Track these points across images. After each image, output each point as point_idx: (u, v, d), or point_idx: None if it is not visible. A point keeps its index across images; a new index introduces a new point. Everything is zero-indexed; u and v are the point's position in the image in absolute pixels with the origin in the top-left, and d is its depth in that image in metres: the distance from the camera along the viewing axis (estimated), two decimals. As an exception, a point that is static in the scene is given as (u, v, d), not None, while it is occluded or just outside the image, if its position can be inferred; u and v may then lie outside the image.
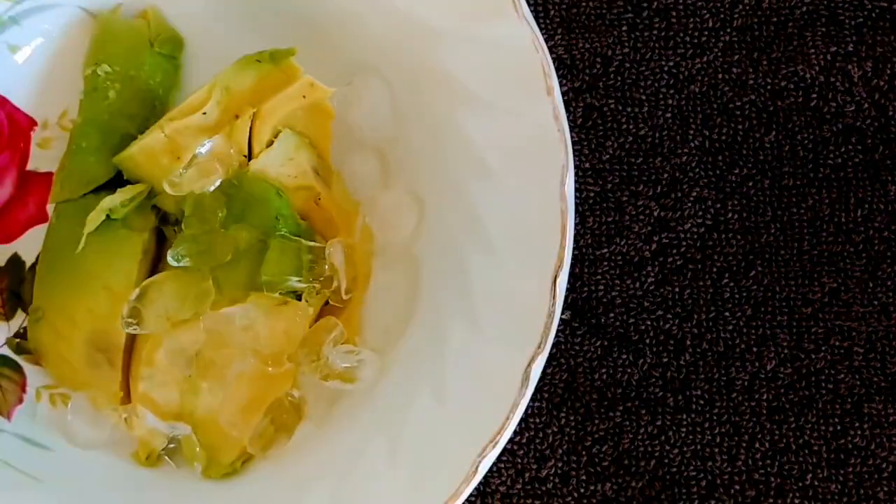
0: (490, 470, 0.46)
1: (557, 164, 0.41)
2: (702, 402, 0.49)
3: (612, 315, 0.49)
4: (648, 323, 0.49)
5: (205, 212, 0.44)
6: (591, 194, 0.50)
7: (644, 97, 0.51)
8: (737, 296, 0.49)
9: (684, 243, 0.50)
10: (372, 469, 0.42)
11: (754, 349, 0.49)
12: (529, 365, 0.40)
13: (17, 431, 0.45)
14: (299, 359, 0.44)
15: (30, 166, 0.48)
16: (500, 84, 0.43)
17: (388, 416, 0.43)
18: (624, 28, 0.51)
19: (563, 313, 0.47)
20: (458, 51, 0.43)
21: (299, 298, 0.44)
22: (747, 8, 0.51)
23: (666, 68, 0.51)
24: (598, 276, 0.49)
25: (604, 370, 0.49)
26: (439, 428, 0.41)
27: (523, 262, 0.42)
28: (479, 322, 0.42)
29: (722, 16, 0.51)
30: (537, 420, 0.48)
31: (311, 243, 0.44)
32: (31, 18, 0.46)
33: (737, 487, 0.48)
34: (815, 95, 0.50)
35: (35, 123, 0.48)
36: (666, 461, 0.48)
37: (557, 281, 0.40)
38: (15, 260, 0.47)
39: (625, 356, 0.49)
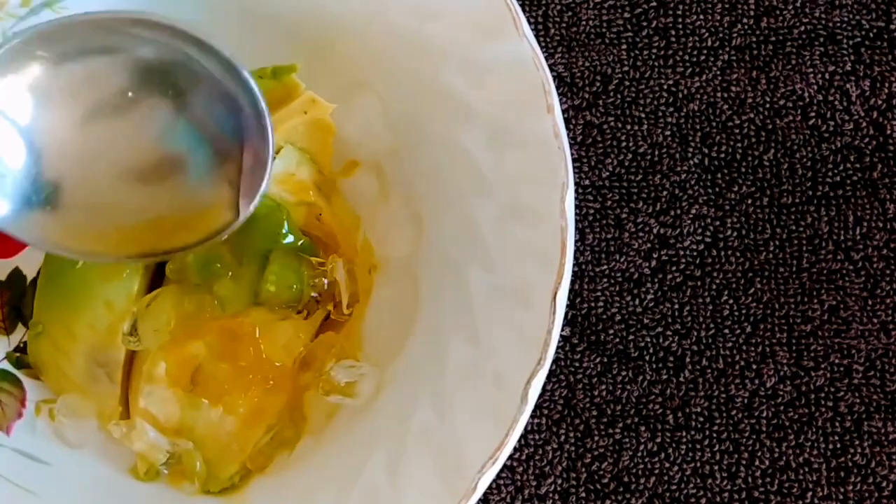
0: (489, 487, 0.46)
1: (557, 181, 0.41)
2: (701, 419, 0.48)
3: (611, 332, 0.49)
4: (648, 340, 0.49)
5: None
6: (591, 211, 0.50)
7: (643, 115, 0.51)
8: (736, 313, 0.49)
9: (683, 260, 0.50)
10: (371, 485, 0.42)
11: (754, 366, 0.49)
12: (529, 381, 0.40)
13: (15, 446, 0.45)
14: (301, 373, 0.44)
15: (32, 181, 0.48)
16: (500, 101, 0.43)
17: (387, 431, 0.43)
18: (624, 47, 0.51)
19: (562, 329, 0.47)
20: (459, 68, 0.44)
21: (300, 313, 0.44)
22: (746, 27, 0.51)
23: (665, 86, 0.51)
24: (598, 293, 0.49)
25: (603, 387, 0.49)
26: (438, 444, 0.41)
27: (523, 278, 0.42)
28: (479, 337, 0.42)
29: (721, 35, 0.51)
30: (536, 437, 0.48)
31: (313, 258, 0.44)
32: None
33: (737, 505, 0.48)
34: (813, 114, 0.51)
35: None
36: (665, 479, 0.48)
37: (557, 297, 0.40)
38: (16, 274, 0.47)
39: (624, 373, 0.49)
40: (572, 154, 0.49)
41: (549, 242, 0.41)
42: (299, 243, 0.45)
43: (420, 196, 0.45)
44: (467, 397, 0.41)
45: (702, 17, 0.52)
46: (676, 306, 0.49)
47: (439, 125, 0.44)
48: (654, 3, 0.52)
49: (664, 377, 0.49)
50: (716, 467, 0.48)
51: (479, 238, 0.43)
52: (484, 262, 0.43)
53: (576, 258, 0.49)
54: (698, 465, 0.48)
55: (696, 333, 0.49)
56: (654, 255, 0.50)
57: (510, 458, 0.48)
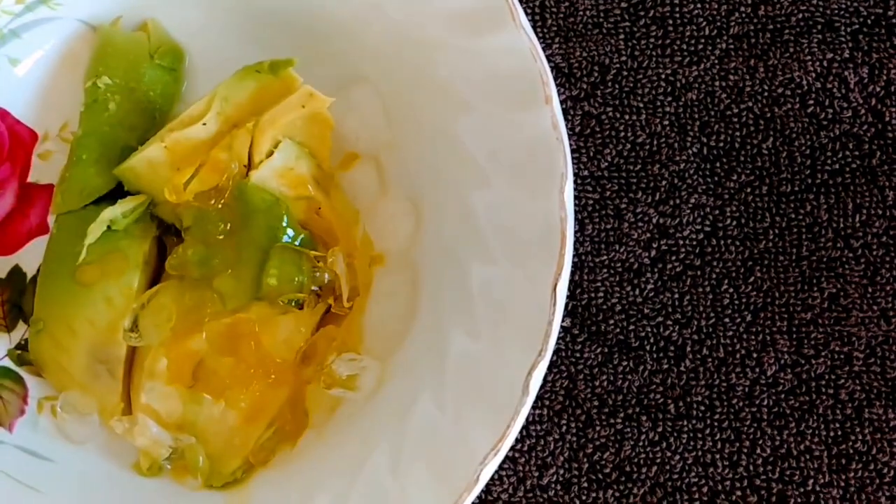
0: (492, 478, 0.46)
1: (556, 172, 0.41)
2: (702, 408, 0.49)
3: (612, 322, 0.49)
4: (648, 329, 0.49)
5: (206, 222, 0.44)
6: (590, 202, 0.50)
7: (642, 105, 0.51)
8: (736, 302, 0.49)
9: (683, 250, 0.50)
10: (374, 478, 0.42)
11: (754, 355, 0.49)
12: (530, 372, 0.40)
13: (18, 443, 0.45)
14: (302, 367, 0.44)
15: (31, 178, 0.48)
16: (498, 93, 0.43)
17: (389, 423, 0.43)
18: (621, 36, 0.51)
19: (563, 320, 0.47)
20: (456, 60, 0.43)
21: (301, 307, 0.44)
22: (744, 15, 0.51)
23: (663, 76, 0.51)
24: (598, 284, 0.50)
25: (604, 377, 0.49)
26: (440, 436, 0.41)
27: (523, 269, 0.42)
28: (480, 329, 0.42)
29: (718, 23, 0.51)
30: (538, 427, 0.48)
31: (313, 252, 0.44)
32: (31, 31, 0.46)
33: (738, 493, 0.48)
34: (811, 102, 0.51)
35: (36, 136, 0.48)
36: (667, 468, 0.48)
37: (557, 288, 0.40)
38: (16, 271, 0.47)
39: (625, 363, 0.49)
40: (571, 145, 0.49)
41: (549, 233, 0.41)
42: (299, 237, 0.45)
43: (419, 189, 0.45)
44: (468, 389, 0.41)
45: (699, 5, 0.51)
46: (676, 296, 0.49)
47: (437, 117, 0.44)
48: (651, -7, 0.52)
49: (665, 367, 0.49)
50: (717, 456, 0.48)
51: (479, 230, 0.43)
52: (483, 253, 0.43)
53: (575, 249, 0.49)
54: (700, 453, 0.48)
55: (696, 323, 0.49)
56: (654, 245, 0.50)
57: (512, 449, 0.48)
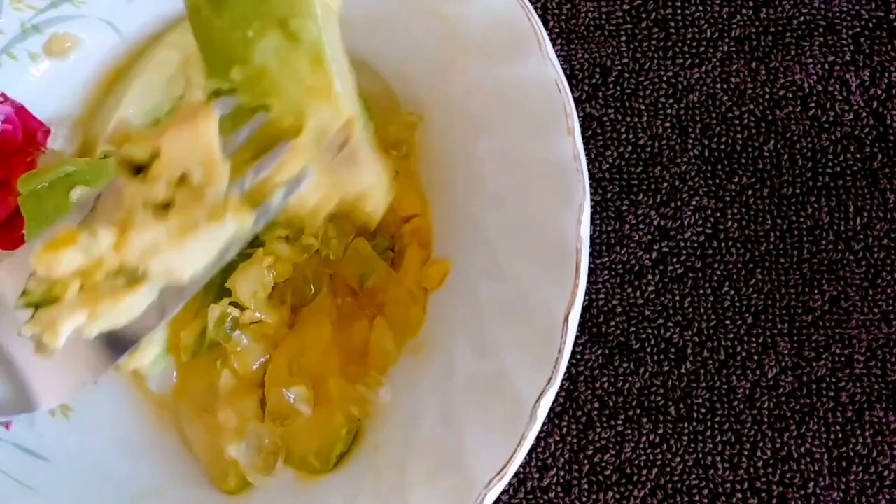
0: (492, 479, 0.46)
1: (575, 203, 0.40)
2: (703, 410, 0.48)
3: (612, 324, 0.49)
4: (649, 331, 0.49)
5: None
6: (591, 204, 0.50)
7: (643, 107, 0.51)
8: (737, 304, 0.49)
9: (684, 252, 0.50)
10: (378, 497, 0.41)
11: (755, 357, 0.49)
12: (538, 400, 0.39)
13: (14, 441, 0.45)
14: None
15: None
16: (520, 121, 0.42)
17: (394, 444, 0.42)
18: (623, 38, 0.51)
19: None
20: (480, 88, 0.43)
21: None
22: (745, 18, 0.51)
23: (665, 78, 0.51)
24: (599, 285, 0.49)
25: (605, 379, 0.49)
26: (445, 457, 0.41)
27: (536, 296, 0.41)
28: (490, 354, 0.41)
29: (720, 26, 0.51)
30: (539, 429, 0.48)
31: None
32: (53, 27, 0.46)
33: (739, 496, 0.48)
34: (813, 104, 0.51)
35: (49, 131, 0.47)
36: (668, 470, 0.48)
37: (570, 318, 0.40)
38: None
39: (626, 365, 0.49)
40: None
41: (564, 263, 0.40)
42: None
43: (436, 209, 0.45)
44: (475, 411, 0.41)
45: (701, 8, 0.52)
46: (677, 298, 0.49)
47: (457, 140, 0.44)
48: (653, -5, 0.52)
49: (666, 369, 0.49)
50: (718, 458, 0.48)
51: (492, 253, 0.43)
52: (498, 278, 0.42)
53: (577, 250, 0.49)
54: (700, 456, 0.48)
55: (697, 325, 0.49)
56: (655, 247, 0.50)
57: (512, 450, 0.48)
